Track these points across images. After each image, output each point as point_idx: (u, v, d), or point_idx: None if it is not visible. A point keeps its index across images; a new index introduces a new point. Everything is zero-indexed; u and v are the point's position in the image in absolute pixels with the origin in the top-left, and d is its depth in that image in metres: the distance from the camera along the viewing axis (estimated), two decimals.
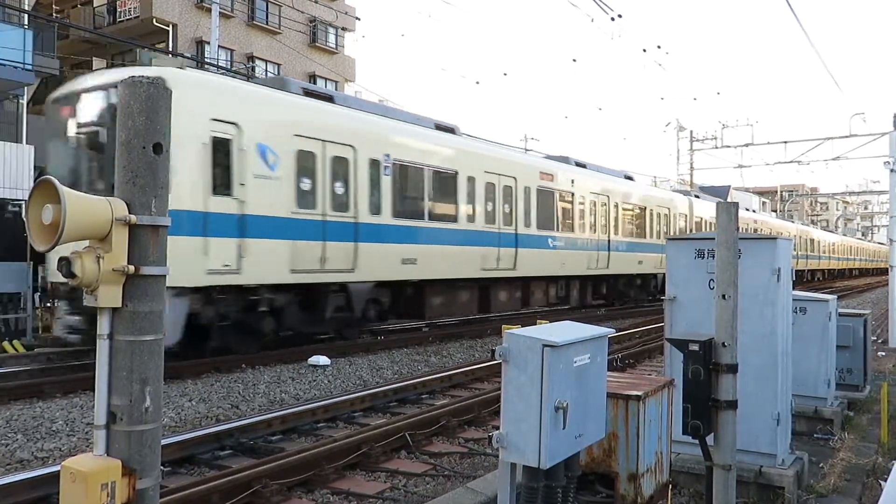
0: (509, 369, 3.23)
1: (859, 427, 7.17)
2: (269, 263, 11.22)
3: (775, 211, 66.26)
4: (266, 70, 30.29)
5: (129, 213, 1.87)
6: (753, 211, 42.77)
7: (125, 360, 1.88)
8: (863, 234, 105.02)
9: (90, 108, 10.81)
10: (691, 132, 44.50)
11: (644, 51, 58.78)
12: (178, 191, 9.82)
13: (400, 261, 13.73)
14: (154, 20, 26.88)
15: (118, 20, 28.24)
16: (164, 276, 1.96)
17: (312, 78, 32.66)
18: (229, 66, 25.21)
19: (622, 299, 23.80)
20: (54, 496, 5.07)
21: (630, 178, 24.63)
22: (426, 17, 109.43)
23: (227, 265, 10.56)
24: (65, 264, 1.83)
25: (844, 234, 78.80)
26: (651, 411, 4.28)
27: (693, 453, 4.69)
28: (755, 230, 33.81)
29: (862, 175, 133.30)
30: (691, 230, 26.88)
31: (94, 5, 29.87)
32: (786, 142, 35.47)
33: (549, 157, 21.08)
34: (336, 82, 33.55)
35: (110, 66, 28.53)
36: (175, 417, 7.91)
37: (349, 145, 12.77)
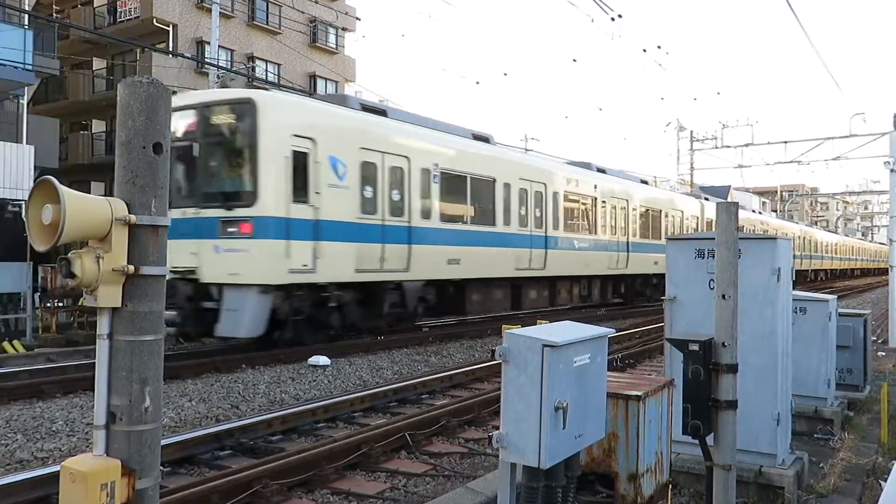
0: (509, 369, 3.22)
1: (859, 427, 7.17)
2: (339, 264, 12.40)
3: (775, 211, 66.24)
4: (266, 70, 30.27)
5: (129, 212, 1.87)
6: (760, 213, 42.89)
7: (125, 360, 1.88)
8: (863, 235, 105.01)
9: (181, 125, 12.01)
10: (691, 132, 44.47)
11: (644, 51, 58.92)
12: (265, 199, 11.29)
13: (446, 261, 14.93)
14: (154, 20, 26.86)
15: (118, 20, 28.22)
16: (164, 276, 1.96)
17: (313, 78, 32.64)
18: (229, 67, 25.19)
19: (639, 298, 24.56)
20: (54, 496, 5.07)
21: (645, 182, 25.58)
22: (426, 17, 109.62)
23: (305, 265, 11.74)
24: (65, 264, 1.83)
25: (845, 235, 78.84)
26: (651, 411, 4.28)
27: (693, 453, 4.69)
28: (764, 231, 34.16)
29: (862, 175, 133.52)
30: (703, 231, 27.30)
31: (95, 5, 29.85)
32: (786, 142, 35.57)
33: (571, 163, 22.01)
34: (336, 82, 33.53)
35: (110, 66, 28.54)
36: (175, 417, 7.91)
37: (404, 156, 13.99)
